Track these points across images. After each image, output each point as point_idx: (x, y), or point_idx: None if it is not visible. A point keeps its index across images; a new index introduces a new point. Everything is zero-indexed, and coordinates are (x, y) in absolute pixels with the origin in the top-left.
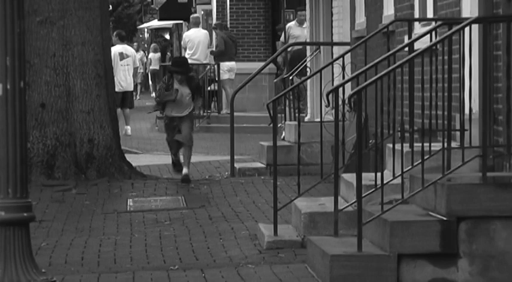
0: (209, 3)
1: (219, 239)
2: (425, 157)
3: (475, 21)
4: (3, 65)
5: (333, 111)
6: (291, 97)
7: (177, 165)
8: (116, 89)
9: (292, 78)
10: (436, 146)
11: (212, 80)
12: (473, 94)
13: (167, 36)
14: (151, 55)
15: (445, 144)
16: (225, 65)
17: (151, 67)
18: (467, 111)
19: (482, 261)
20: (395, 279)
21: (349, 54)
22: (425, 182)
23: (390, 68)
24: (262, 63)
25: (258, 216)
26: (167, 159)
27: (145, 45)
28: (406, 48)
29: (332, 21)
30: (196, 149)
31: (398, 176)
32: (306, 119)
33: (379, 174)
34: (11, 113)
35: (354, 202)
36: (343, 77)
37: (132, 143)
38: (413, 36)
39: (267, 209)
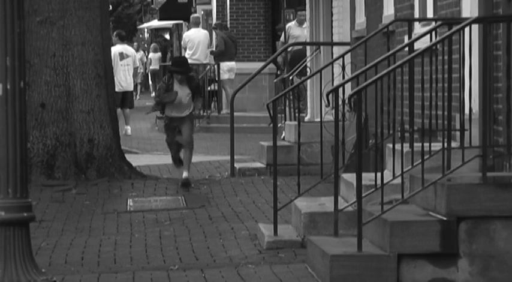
0: (209, 3)
1: (219, 239)
2: (425, 157)
3: (475, 21)
4: (3, 65)
5: (333, 111)
6: (291, 97)
7: (177, 161)
8: (116, 89)
9: (292, 78)
10: (436, 146)
11: (212, 80)
12: (473, 94)
13: (167, 36)
14: (151, 55)
15: (445, 144)
16: (225, 65)
17: (151, 67)
18: (467, 111)
19: (482, 261)
20: (395, 279)
21: (349, 54)
22: (425, 182)
23: (390, 68)
24: (262, 63)
25: (258, 216)
26: (167, 159)
27: (145, 45)
28: (406, 48)
29: (332, 21)
30: (197, 149)
31: (399, 176)
32: (306, 119)
33: (379, 174)
34: (11, 113)
35: (354, 202)
36: (343, 77)
37: (132, 143)
38: (413, 36)
39: (267, 209)
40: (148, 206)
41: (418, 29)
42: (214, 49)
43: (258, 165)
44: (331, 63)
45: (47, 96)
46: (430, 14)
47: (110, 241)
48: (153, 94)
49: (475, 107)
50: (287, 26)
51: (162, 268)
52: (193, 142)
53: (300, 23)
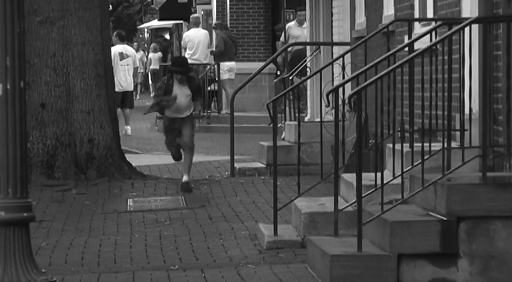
0: (209, 3)
1: (219, 239)
2: (425, 157)
3: (475, 21)
4: (3, 65)
5: (333, 111)
6: (291, 97)
7: (178, 158)
8: (116, 89)
9: (292, 78)
10: (436, 146)
11: (212, 80)
12: (473, 94)
13: (167, 36)
14: (151, 55)
15: (445, 144)
16: (225, 65)
17: (151, 67)
18: (467, 111)
19: (482, 261)
20: (395, 279)
21: (349, 54)
22: (425, 182)
23: (390, 68)
24: (262, 63)
25: (258, 216)
26: (167, 159)
27: (145, 45)
28: (406, 48)
29: (332, 21)
30: (197, 149)
31: (398, 176)
32: (306, 119)
33: (379, 174)
34: (11, 113)
35: (354, 202)
36: (343, 77)
37: (132, 143)
38: (413, 36)
39: (267, 209)
40: (148, 206)
41: (418, 29)
42: (214, 49)
43: (258, 165)
44: (331, 63)
45: (47, 96)
46: (430, 14)
47: (110, 241)
48: (152, 94)
49: (475, 107)
50: (287, 26)
51: (162, 268)
52: (194, 146)
53: (300, 23)
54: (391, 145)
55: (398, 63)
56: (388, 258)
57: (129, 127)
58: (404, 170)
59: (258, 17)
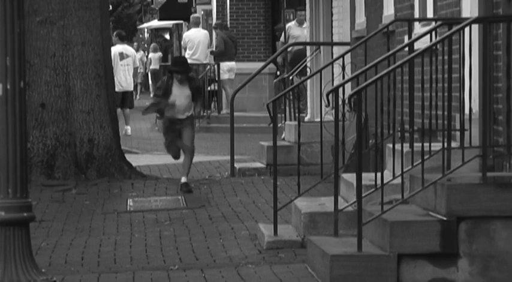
0: (209, 3)
1: (219, 239)
2: (425, 157)
3: (475, 21)
4: (3, 65)
5: (333, 111)
6: (291, 97)
7: (176, 157)
8: (116, 89)
9: (292, 78)
10: (436, 146)
11: (212, 80)
12: (473, 94)
13: (167, 36)
14: (151, 55)
15: (445, 144)
16: (225, 65)
17: (151, 67)
18: (467, 111)
19: (482, 261)
20: (395, 279)
21: (349, 54)
22: (425, 182)
23: (390, 68)
24: (262, 63)
25: (258, 216)
26: (167, 159)
27: (145, 45)
28: (406, 48)
29: (332, 21)
30: (197, 149)
31: (399, 176)
32: (306, 119)
33: (379, 174)
34: (11, 113)
35: (354, 202)
36: (343, 77)
37: (132, 143)
38: (413, 36)
39: (267, 209)
40: (148, 206)
41: (418, 29)
42: (214, 49)
43: (258, 165)
44: (331, 63)
45: (47, 96)
46: (430, 14)
47: (110, 241)
48: (152, 94)
49: (475, 107)
50: (287, 26)
51: (162, 268)
52: (194, 149)
53: (300, 23)
54: (391, 145)
55: (398, 63)
56: (388, 258)
57: (129, 127)
58: (404, 170)
59: (258, 17)
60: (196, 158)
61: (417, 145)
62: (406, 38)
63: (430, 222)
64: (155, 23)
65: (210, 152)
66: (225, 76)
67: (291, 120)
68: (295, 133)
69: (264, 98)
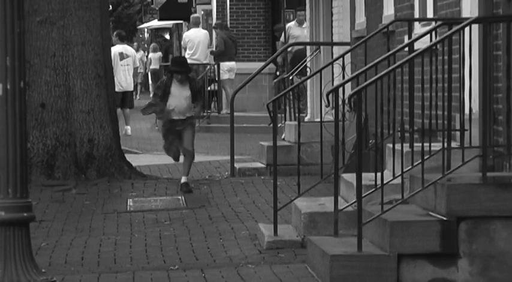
0: (209, 3)
1: (219, 239)
2: (425, 157)
3: (475, 21)
4: (3, 65)
5: (333, 111)
6: (291, 97)
7: (176, 158)
8: (116, 89)
9: (292, 78)
10: (436, 146)
11: (212, 80)
12: (473, 94)
13: (167, 36)
14: (151, 55)
15: (445, 144)
16: (225, 65)
17: (151, 67)
18: (467, 111)
19: (482, 261)
20: (395, 279)
21: (349, 54)
22: (425, 182)
23: (390, 68)
24: (262, 63)
25: (258, 216)
26: (167, 159)
27: (145, 45)
28: (406, 48)
29: (332, 21)
30: (197, 149)
31: (398, 176)
32: (306, 119)
33: (379, 174)
34: (11, 113)
35: (354, 202)
36: (343, 77)
37: (132, 143)
38: (413, 36)
39: (267, 209)
40: (148, 206)
41: (418, 29)
42: (214, 49)
43: (258, 165)
44: (331, 63)
45: (47, 96)
46: (430, 14)
47: (110, 241)
48: (152, 94)
49: (475, 107)
50: (287, 26)
51: (162, 268)
52: (194, 151)
53: (300, 23)
54: (391, 145)
55: (398, 63)
56: (388, 258)
57: (129, 127)
58: (404, 170)
59: (258, 17)
60: (196, 158)
61: (417, 145)
62: (406, 38)
63: (430, 222)
64: (155, 23)
65: (210, 152)
66: (225, 76)
67: (291, 120)
68: (295, 133)
69: (264, 98)
